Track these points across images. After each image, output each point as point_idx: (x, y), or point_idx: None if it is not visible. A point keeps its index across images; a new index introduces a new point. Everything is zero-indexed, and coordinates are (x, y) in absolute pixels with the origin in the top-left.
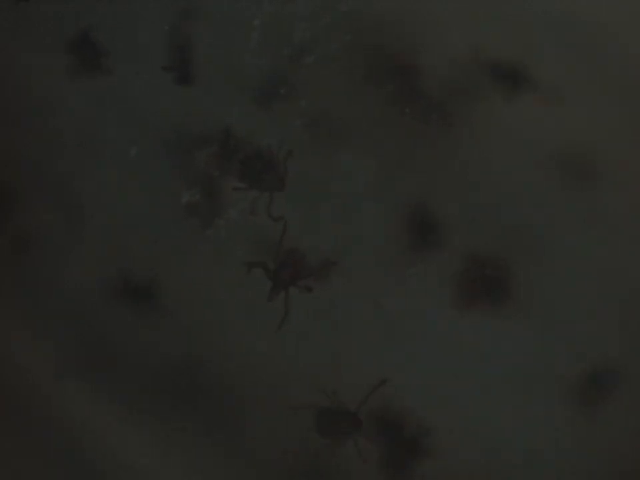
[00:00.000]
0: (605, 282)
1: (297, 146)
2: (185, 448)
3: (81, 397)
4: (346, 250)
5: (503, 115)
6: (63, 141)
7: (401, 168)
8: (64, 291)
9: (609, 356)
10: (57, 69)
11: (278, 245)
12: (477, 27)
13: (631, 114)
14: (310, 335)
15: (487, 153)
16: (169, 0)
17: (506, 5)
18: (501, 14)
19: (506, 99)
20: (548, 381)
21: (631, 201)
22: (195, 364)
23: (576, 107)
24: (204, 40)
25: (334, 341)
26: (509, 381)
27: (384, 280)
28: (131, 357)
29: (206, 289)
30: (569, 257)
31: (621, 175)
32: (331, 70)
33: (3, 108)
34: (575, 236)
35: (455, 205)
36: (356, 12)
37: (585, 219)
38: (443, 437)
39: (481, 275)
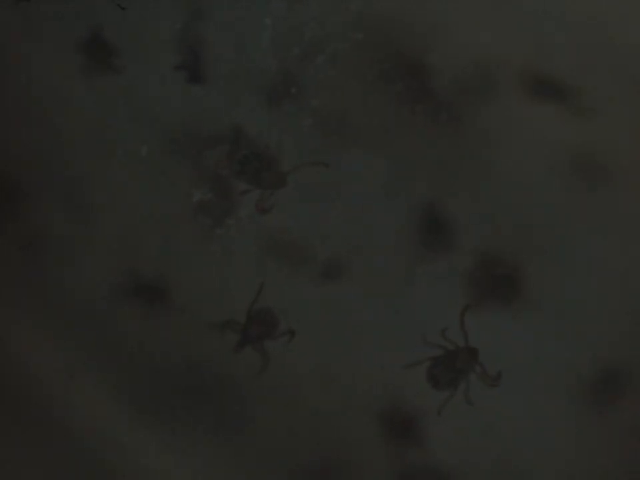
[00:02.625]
0: (615, 281)
1: (307, 146)
2: (193, 448)
3: (91, 396)
4: (356, 250)
5: (515, 115)
6: (73, 140)
7: (411, 168)
8: (74, 290)
9: (619, 355)
10: (67, 68)
11: (252, 301)
12: (489, 26)
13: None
14: (318, 334)
15: (498, 152)
16: None
17: (517, 5)
18: (513, 14)
19: (517, 98)
20: (557, 380)
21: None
22: (205, 363)
23: (590, 108)
24: (215, 39)
25: (342, 341)
26: (518, 380)
27: (394, 280)
28: (140, 356)
29: (216, 288)
30: (579, 256)
31: (634, 176)
32: (342, 69)
33: (13, 107)
34: (587, 236)
35: (465, 204)
36: (366, 11)
37: (596, 219)
38: (451, 436)
39: (492, 275)
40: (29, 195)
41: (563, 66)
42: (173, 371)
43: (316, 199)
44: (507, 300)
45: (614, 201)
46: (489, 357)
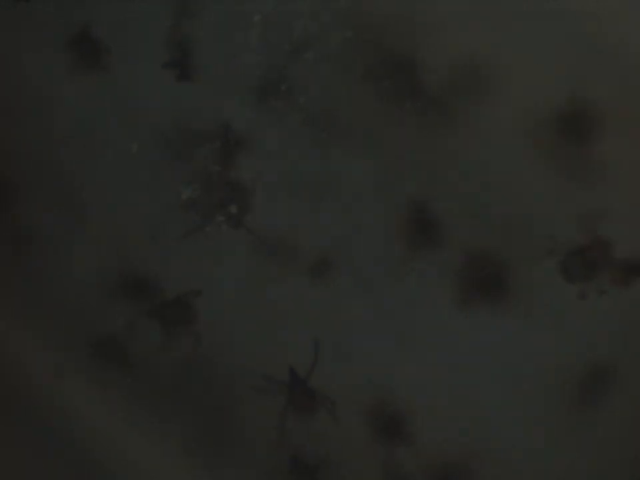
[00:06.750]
0: None
1: (296, 143)
2: (187, 446)
3: (81, 395)
4: (345, 248)
5: (505, 112)
6: (63, 138)
7: (400, 165)
8: (63, 288)
9: (607, 355)
10: (56, 66)
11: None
12: (480, 23)
13: (632, 113)
14: (305, 331)
15: (488, 150)
16: None
17: (509, 2)
18: (504, 11)
19: (505, 96)
20: (546, 380)
21: (633, 201)
22: (196, 361)
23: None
24: (204, 37)
25: (332, 339)
26: (507, 379)
27: (383, 278)
28: (130, 354)
29: (205, 285)
30: None
31: (623, 173)
32: (331, 66)
33: (3, 105)
34: (576, 235)
35: (455, 202)
36: (356, 8)
37: (587, 218)
38: (438, 435)
39: (481, 273)
40: (18, 193)
41: (553, 65)
42: (163, 369)
43: (303, 197)
44: (495, 298)
45: (605, 199)
46: (478, 357)
